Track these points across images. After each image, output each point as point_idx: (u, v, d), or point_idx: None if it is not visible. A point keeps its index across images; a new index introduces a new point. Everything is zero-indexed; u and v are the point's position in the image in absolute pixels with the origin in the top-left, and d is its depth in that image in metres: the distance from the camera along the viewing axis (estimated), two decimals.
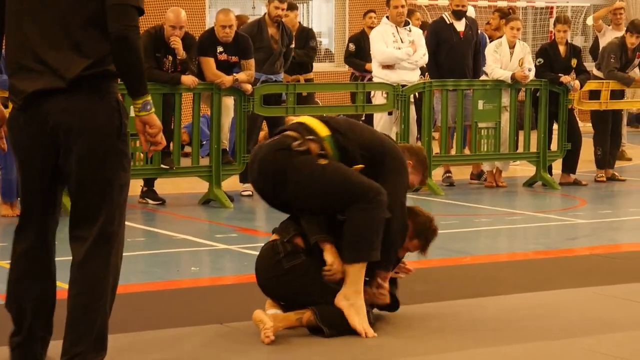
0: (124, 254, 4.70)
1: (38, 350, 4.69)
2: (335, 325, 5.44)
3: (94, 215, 4.51)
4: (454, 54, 12.67)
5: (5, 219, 9.81)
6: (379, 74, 12.29)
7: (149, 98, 4.50)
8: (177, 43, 10.71)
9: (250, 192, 11.46)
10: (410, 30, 12.30)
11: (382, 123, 12.26)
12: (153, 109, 4.53)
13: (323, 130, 5.63)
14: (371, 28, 15.30)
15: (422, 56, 12.25)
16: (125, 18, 4.42)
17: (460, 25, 12.80)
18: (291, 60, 12.34)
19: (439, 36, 12.72)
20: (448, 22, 12.83)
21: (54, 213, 4.69)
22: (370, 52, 12.66)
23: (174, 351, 5.27)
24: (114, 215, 4.52)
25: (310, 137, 5.58)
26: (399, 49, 12.12)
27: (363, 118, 15.40)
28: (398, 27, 12.21)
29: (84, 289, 4.50)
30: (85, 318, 4.49)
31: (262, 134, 12.22)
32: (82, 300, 4.50)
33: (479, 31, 13.42)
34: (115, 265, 4.57)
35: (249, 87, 11.05)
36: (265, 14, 12.08)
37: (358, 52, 15.52)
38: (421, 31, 12.72)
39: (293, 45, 12.34)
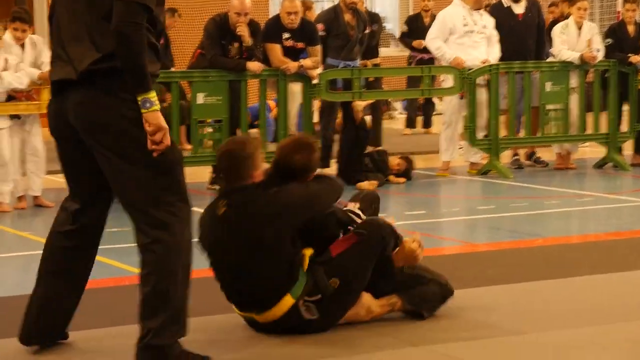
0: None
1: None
2: (422, 305, 5.49)
3: (136, 204, 4.57)
4: (512, 37, 12.42)
5: None
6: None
7: (150, 96, 4.45)
8: (243, 30, 10.73)
9: None
10: (481, 15, 12.15)
11: (452, 106, 12.18)
12: (154, 107, 4.46)
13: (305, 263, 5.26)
14: (426, 11, 15.50)
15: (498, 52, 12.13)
16: (126, 14, 4.41)
17: (518, 8, 12.61)
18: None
19: (496, 20, 12.55)
20: (505, 5, 12.66)
21: (96, 195, 4.83)
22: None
23: (237, 335, 5.29)
24: (158, 201, 4.54)
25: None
26: (471, 32, 11.99)
27: (422, 101, 15.41)
28: (471, 10, 12.06)
29: (150, 269, 4.57)
30: (155, 297, 4.55)
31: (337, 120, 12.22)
32: (150, 281, 4.56)
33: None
34: (179, 245, 4.57)
35: (314, 73, 11.06)
36: (339, 0, 12.05)
37: (411, 32, 15.59)
38: (493, 20, 12.45)
39: (368, 31, 12.32)
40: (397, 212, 9.96)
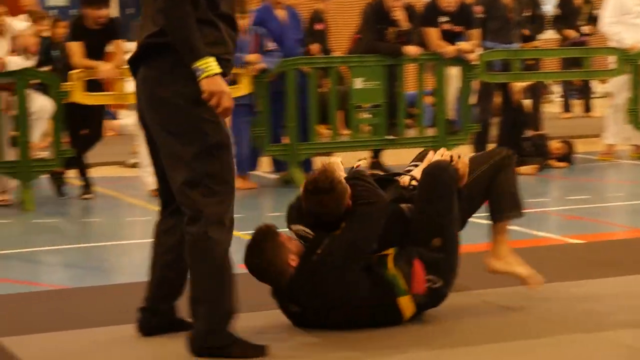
0: None
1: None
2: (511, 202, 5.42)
3: (178, 183, 4.52)
4: None
5: (238, 191, 10.01)
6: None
7: (200, 64, 4.42)
8: (398, 14, 10.69)
9: None
10: None
11: (619, 88, 11.86)
12: (205, 73, 4.42)
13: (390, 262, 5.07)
14: None
15: None
16: None
17: None
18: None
19: None
20: None
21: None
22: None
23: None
24: (197, 183, 4.46)
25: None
26: None
27: (579, 84, 14.99)
28: None
29: (187, 253, 4.59)
30: (191, 287, 4.63)
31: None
32: (188, 265, 4.63)
33: None
34: (207, 237, 4.48)
35: (473, 56, 10.93)
36: None
37: (564, 15, 15.29)
38: None
39: (528, 14, 12.14)
40: (559, 196, 9.80)
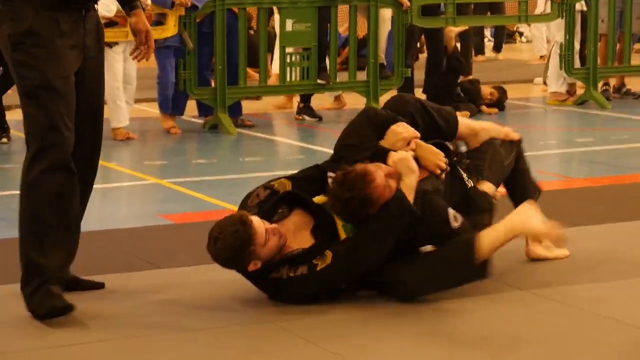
0: None
1: None
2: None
3: None
4: None
5: (165, 134, 9.77)
6: None
7: None
8: None
9: None
10: None
11: (561, 33, 11.67)
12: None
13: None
14: None
15: None
16: None
17: None
18: None
19: None
20: None
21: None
22: None
23: None
24: (27, 129, 4.36)
25: None
26: None
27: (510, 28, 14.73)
28: None
29: None
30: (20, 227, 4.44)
31: None
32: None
33: None
34: (25, 184, 4.36)
35: None
36: None
37: None
38: None
39: None
40: None
